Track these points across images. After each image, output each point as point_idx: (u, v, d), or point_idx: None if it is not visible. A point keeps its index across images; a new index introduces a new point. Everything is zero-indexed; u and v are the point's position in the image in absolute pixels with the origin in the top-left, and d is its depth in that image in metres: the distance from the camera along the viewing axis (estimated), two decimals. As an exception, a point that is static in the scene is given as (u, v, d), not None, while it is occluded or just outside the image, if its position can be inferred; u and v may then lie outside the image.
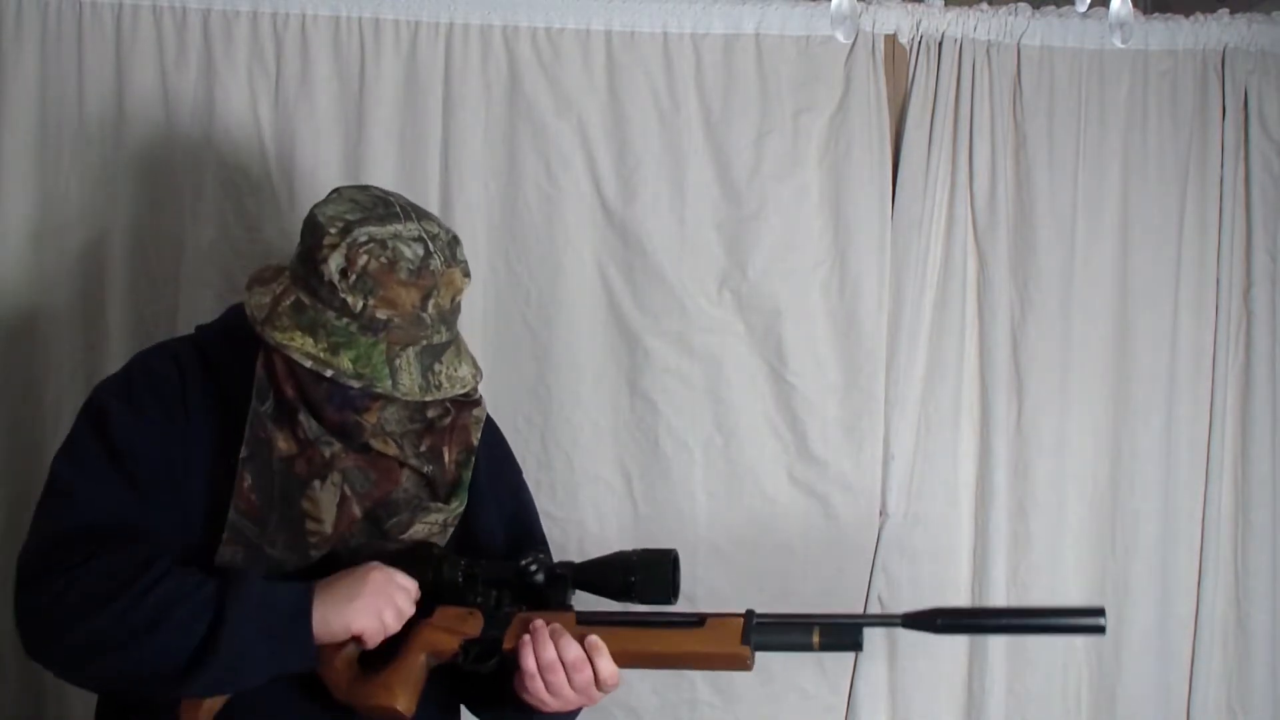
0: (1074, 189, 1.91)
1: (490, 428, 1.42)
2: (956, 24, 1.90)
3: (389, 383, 1.19)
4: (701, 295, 1.89)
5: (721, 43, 1.88)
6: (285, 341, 1.19)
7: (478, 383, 1.30)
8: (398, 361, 1.20)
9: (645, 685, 1.92)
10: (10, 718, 1.86)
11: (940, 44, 1.90)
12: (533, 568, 1.26)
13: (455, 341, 1.27)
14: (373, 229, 1.20)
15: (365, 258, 1.18)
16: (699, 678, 1.91)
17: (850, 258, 1.90)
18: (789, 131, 1.89)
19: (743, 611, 1.23)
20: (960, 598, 1.95)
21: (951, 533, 1.94)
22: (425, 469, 1.29)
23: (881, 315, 1.90)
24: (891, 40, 1.91)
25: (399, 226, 1.22)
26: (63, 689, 1.83)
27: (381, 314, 1.19)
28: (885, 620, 1.29)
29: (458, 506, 1.32)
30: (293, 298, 1.22)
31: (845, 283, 1.90)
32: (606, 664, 1.21)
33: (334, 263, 1.19)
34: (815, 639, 1.21)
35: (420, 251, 1.21)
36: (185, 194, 1.81)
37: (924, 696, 1.95)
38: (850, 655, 1.93)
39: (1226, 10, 1.94)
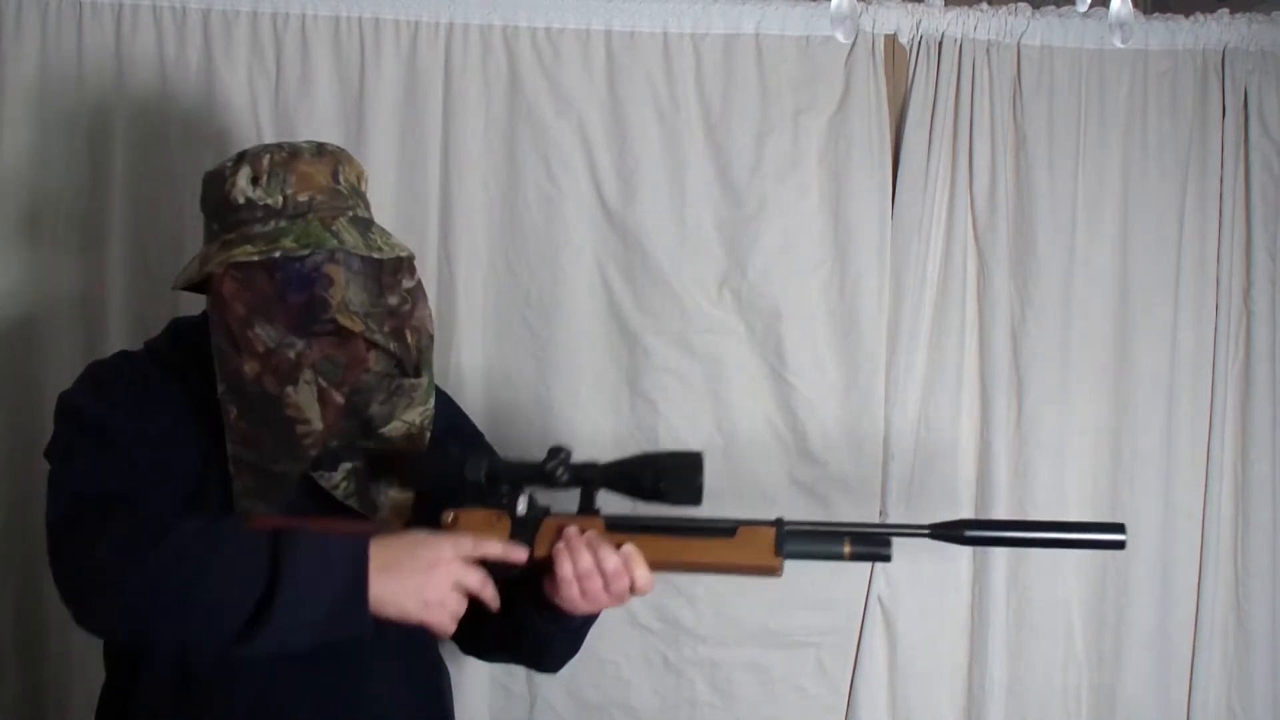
0: (1074, 189, 1.91)
1: (442, 396, 1.43)
2: (956, 24, 1.90)
3: (334, 242, 1.24)
4: (701, 295, 1.89)
5: (721, 43, 1.88)
6: (226, 257, 1.24)
7: (414, 257, 1.34)
8: (334, 227, 1.26)
9: (645, 685, 1.92)
10: (10, 718, 1.86)
11: (940, 44, 1.90)
12: (559, 471, 1.25)
13: (377, 223, 1.33)
14: (264, 145, 1.31)
15: (268, 157, 1.27)
16: (699, 677, 1.92)
17: (850, 258, 1.90)
18: (789, 131, 1.89)
19: (773, 520, 1.25)
20: (961, 596, 1.95)
21: (952, 533, 1.94)
22: (391, 345, 1.30)
23: (881, 315, 1.90)
24: (891, 40, 1.91)
25: (283, 142, 1.32)
26: (63, 689, 1.84)
27: (303, 196, 1.26)
28: (914, 531, 1.29)
29: (428, 387, 1.33)
30: (217, 244, 1.28)
31: (845, 283, 1.90)
32: (643, 574, 1.23)
33: (242, 179, 1.26)
34: (846, 549, 1.24)
35: (312, 143, 1.31)
36: (185, 194, 1.81)
37: (924, 697, 1.95)
38: (851, 655, 1.94)
39: (1226, 10, 1.94)
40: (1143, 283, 1.93)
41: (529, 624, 1.32)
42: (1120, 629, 1.94)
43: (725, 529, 1.25)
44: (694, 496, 1.23)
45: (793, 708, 1.93)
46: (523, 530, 1.25)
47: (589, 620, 1.34)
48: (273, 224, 1.25)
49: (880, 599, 1.93)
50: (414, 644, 1.37)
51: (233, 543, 1.16)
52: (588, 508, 1.27)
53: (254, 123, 1.83)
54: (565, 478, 1.25)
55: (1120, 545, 1.27)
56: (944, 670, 1.95)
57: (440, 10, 1.85)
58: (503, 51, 1.86)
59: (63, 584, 1.19)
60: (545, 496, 1.29)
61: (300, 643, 1.16)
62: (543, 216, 1.88)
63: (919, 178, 1.90)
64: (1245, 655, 1.96)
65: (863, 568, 1.92)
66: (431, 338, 1.35)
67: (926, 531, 1.27)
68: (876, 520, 1.91)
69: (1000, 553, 1.91)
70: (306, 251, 1.23)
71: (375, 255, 1.27)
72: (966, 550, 1.94)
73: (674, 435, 1.88)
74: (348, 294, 1.26)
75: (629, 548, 1.22)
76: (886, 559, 1.26)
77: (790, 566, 1.89)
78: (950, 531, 1.27)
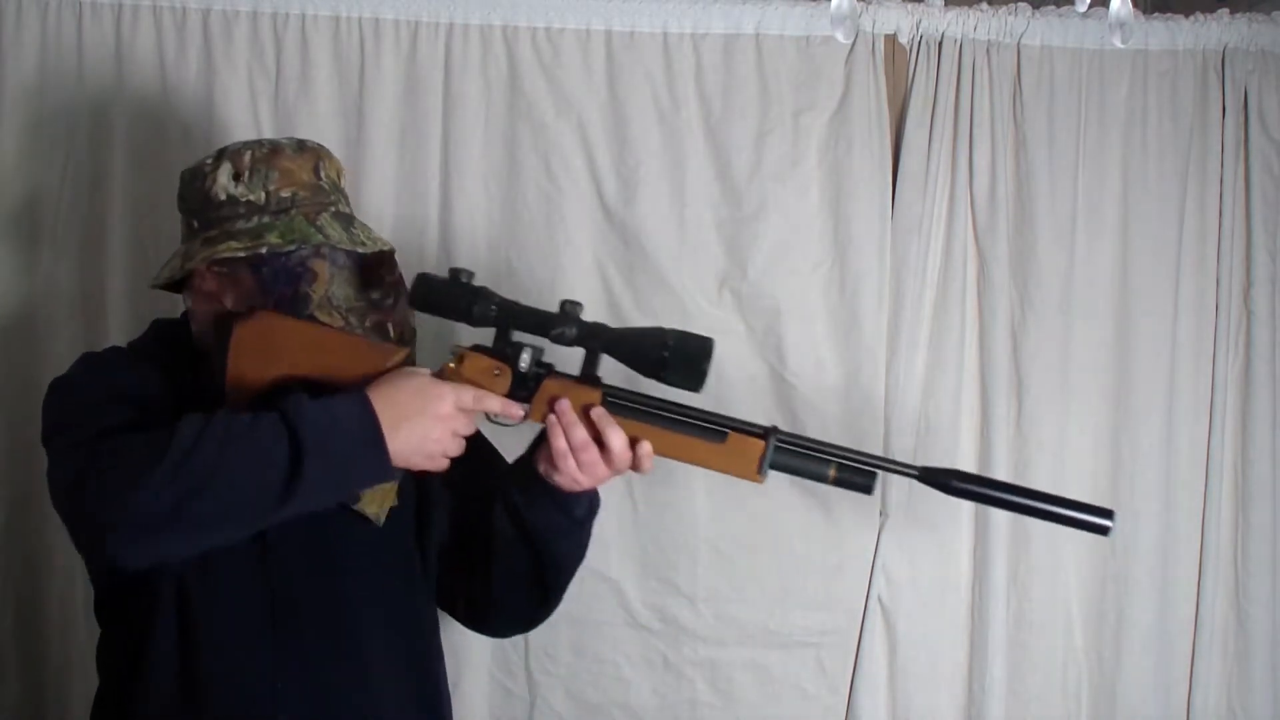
0: (1074, 189, 1.91)
1: None
2: (956, 24, 1.90)
3: (319, 237, 1.24)
4: (701, 295, 1.89)
5: (721, 43, 1.88)
6: (211, 253, 1.23)
7: (394, 251, 1.33)
8: (319, 222, 1.26)
9: (645, 685, 1.92)
10: (10, 718, 1.86)
11: (940, 44, 1.90)
12: (567, 331, 1.24)
13: (358, 219, 1.32)
14: (243, 141, 1.29)
15: (248, 154, 1.26)
16: (699, 677, 1.92)
17: (850, 258, 1.90)
18: (789, 131, 1.89)
19: (764, 429, 1.26)
20: (960, 597, 1.95)
21: (952, 533, 1.94)
22: (372, 340, 1.29)
23: (881, 315, 1.90)
24: (891, 40, 1.91)
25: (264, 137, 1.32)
26: (63, 690, 1.84)
27: (285, 192, 1.26)
28: (903, 469, 1.29)
29: None
30: (198, 240, 1.27)
31: (845, 283, 1.90)
32: (649, 462, 1.25)
33: (223, 175, 1.25)
34: (831, 473, 1.26)
35: (292, 139, 1.30)
36: (185, 194, 1.82)
37: (924, 697, 1.95)
38: (851, 656, 1.94)
39: (1226, 10, 1.93)
40: (1143, 283, 1.93)
41: (532, 520, 1.30)
42: (1120, 628, 1.94)
43: (717, 431, 1.26)
44: (695, 383, 1.22)
45: (793, 708, 1.93)
46: (522, 386, 1.26)
47: (592, 509, 1.34)
48: (256, 220, 1.25)
49: (880, 599, 1.93)
50: (413, 646, 1.37)
51: (243, 424, 1.14)
52: (589, 374, 1.27)
53: (254, 123, 1.83)
54: (572, 334, 1.25)
55: (1105, 531, 1.27)
56: (944, 670, 1.95)
57: (440, 10, 1.85)
58: (503, 51, 1.86)
59: (88, 520, 1.15)
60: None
61: (326, 503, 1.18)
62: (543, 216, 1.88)
63: (919, 178, 1.90)
64: (1245, 655, 1.96)
65: (863, 567, 1.92)
66: (414, 331, 1.35)
67: (915, 473, 1.28)
68: (876, 520, 1.92)
69: (1000, 552, 1.91)
70: (292, 247, 1.23)
71: (360, 250, 1.27)
72: (966, 549, 1.95)
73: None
74: (331, 288, 1.27)
75: (647, 446, 1.24)
76: (868, 491, 1.27)
77: (792, 567, 1.92)
78: (939, 478, 1.28)
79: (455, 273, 1.26)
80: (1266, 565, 1.95)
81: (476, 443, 1.32)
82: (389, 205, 1.86)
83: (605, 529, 1.89)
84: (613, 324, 1.84)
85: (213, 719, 1.25)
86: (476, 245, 1.87)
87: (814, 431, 1.87)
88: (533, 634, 1.90)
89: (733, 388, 1.89)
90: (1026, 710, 1.95)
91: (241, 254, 1.23)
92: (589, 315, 1.84)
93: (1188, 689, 1.96)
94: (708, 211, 1.89)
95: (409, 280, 1.28)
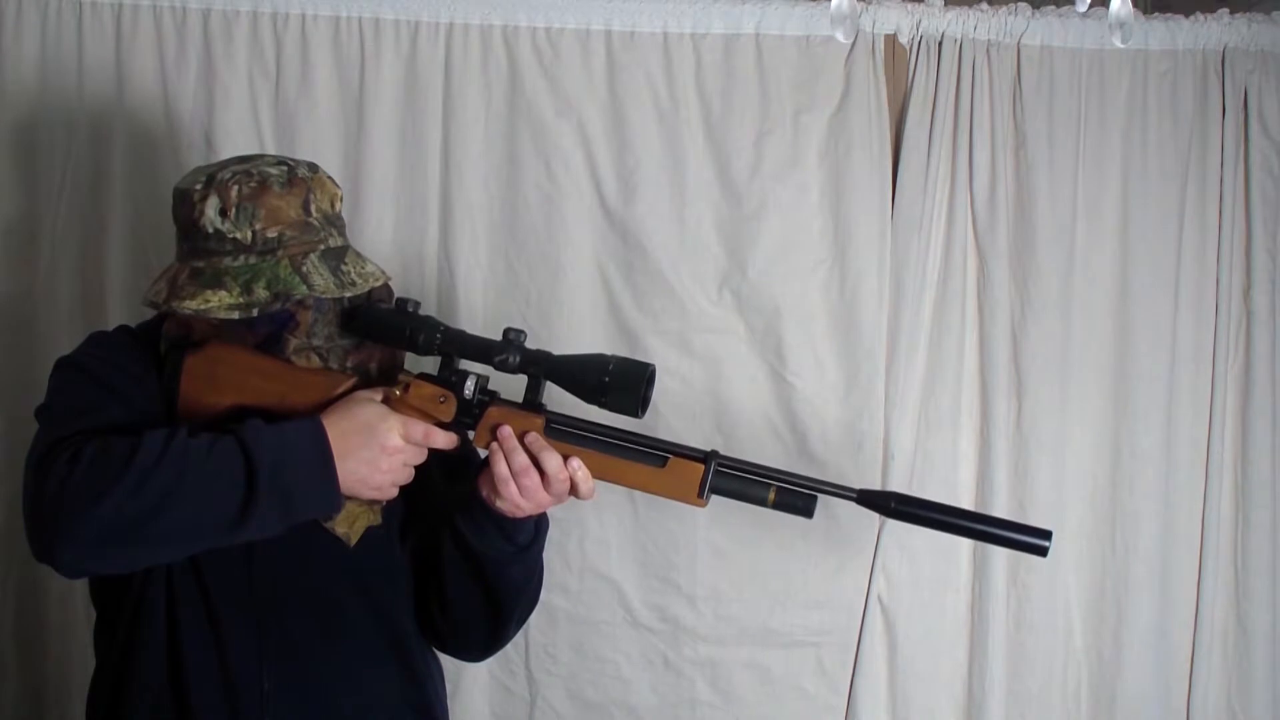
0: (1074, 189, 1.91)
1: None
2: (956, 24, 1.90)
3: (304, 287, 1.23)
4: (701, 295, 1.89)
5: (721, 43, 1.88)
6: (200, 307, 1.22)
7: (388, 279, 1.33)
8: (304, 268, 1.24)
9: (645, 685, 1.92)
10: (10, 718, 1.86)
11: (940, 44, 1.90)
12: (509, 355, 1.26)
13: (351, 248, 1.31)
14: (234, 167, 1.26)
15: (236, 188, 1.23)
16: (699, 677, 1.93)
17: (850, 258, 1.90)
18: (789, 131, 1.89)
19: (705, 453, 1.26)
20: (960, 598, 1.95)
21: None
22: (320, 369, 1.29)
23: (881, 315, 1.91)
24: (891, 40, 1.91)
25: (256, 159, 1.29)
26: (63, 689, 1.84)
27: (272, 232, 1.23)
28: (841, 492, 1.28)
29: None
30: (187, 269, 1.25)
31: (845, 283, 1.90)
32: (586, 485, 1.26)
33: (210, 208, 1.23)
34: (771, 496, 1.26)
35: (284, 168, 1.27)
36: (185, 194, 1.81)
37: (924, 697, 1.95)
38: (851, 655, 1.94)
39: (1226, 10, 1.93)
40: (1143, 283, 1.93)
41: (477, 547, 1.30)
42: (1120, 628, 1.94)
43: (658, 455, 1.27)
44: (635, 408, 1.23)
45: (793, 708, 1.94)
46: (467, 413, 1.27)
47: (538, 536, 1.34)
48: (242, 259, 1.23)
49: (880, 599, 1.93)
50: (400, 644, 1.38)
51: (202, 447, 1.16)
52: (533, 400, 1.28)
53: (254, 123, 1.83)
54: (515, 361, 1.26)
55: (1043, 552, 1.25)
56: (944, 670, 1.96)
57: (440, 10, 1.85)
58: (503, 51, 1.86)
59: (42, 520, 1.16)
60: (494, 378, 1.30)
61: (277, 528, 1.18)
62: (543, 216, 1.88)
63: (919, 178, 1.90)
64: (1245, 655, 1.96)
65: (863, 567, 1.92)
66: (400, 365, 1.34)
67: (854, 495, 1.28)
68: (876, 520, 1.91)
69: (1000, 552, 1.91)
70: (278, 305, 1.22)
71: (347, 294, 1.26)
72: (966, 549, 1.95)
73: (674, 436, 1.87)
74: (314, 330, 1.28)
75: (575, 461, 1.25)
76: (808, 514, 1.26)
77: (793, 567, 1.92)
78: (878, 500, 1.28)
79: (402, 302, 1.28)
80: (1266, 565, 1.95)
81: (471, 461, 1.33)
82: (389, 206, 1.86)
83: (605, 529, 1.90)
84: (613, 325, 1.88)
85: (200, 714, 1.25)
86: (477, 245, 1.88)
87: (814, 431, 1.89)
88: (533, 633, 1.91)
89: (732, 388, 1.90)
90: (1026, 710, 1.95)
91: (236, 315, 1.22)
92: (589, 316, 1.89)
93: (1188, 689, 1.96)
94: (708, 211, 1.89)
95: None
